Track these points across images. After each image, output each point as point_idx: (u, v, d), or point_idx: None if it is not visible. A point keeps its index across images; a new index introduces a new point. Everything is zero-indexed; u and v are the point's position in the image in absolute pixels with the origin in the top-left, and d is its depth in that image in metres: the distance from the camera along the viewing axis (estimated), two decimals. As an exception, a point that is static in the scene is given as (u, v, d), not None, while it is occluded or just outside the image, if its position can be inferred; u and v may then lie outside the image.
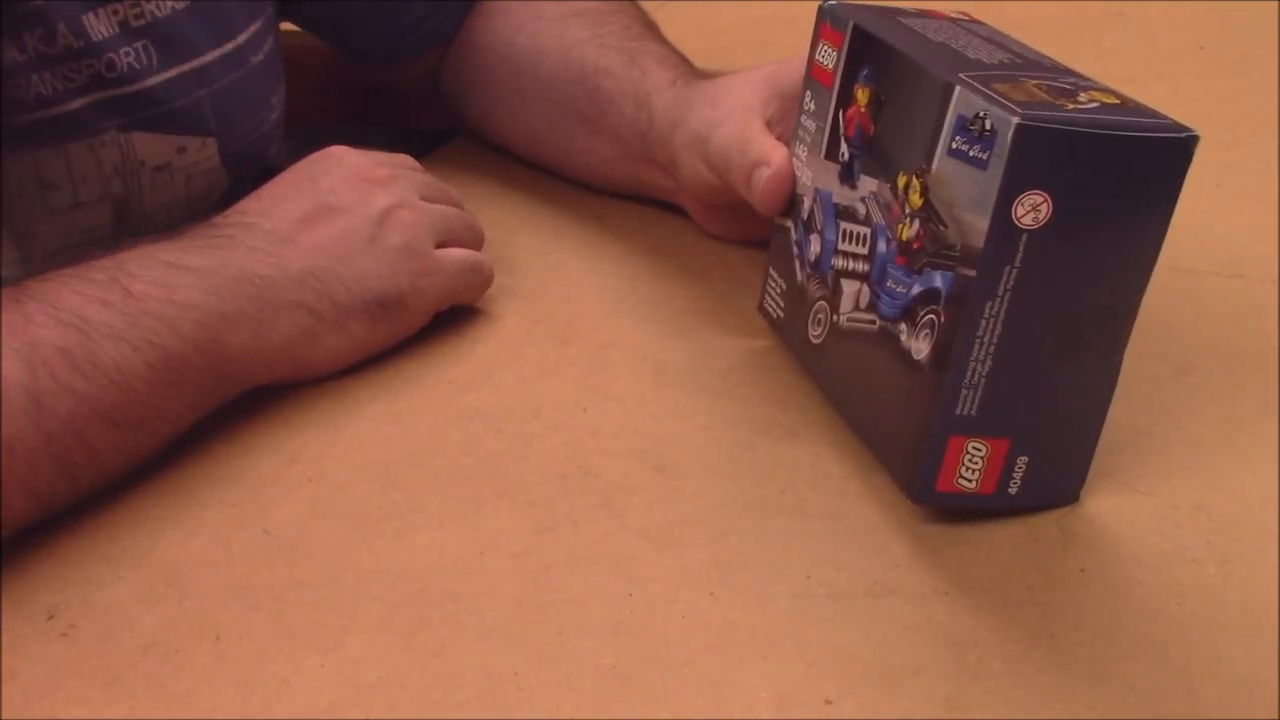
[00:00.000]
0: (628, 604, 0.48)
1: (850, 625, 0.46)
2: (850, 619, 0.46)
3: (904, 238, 0.49)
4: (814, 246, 0.55)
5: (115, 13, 0.64)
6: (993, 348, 0.46)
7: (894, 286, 0.49)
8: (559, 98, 0.76)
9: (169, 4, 0.66)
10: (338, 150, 0.65)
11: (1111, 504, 0.51)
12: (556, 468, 0.55)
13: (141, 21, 0.65)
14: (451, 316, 0.66)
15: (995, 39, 0.53)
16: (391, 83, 0.90)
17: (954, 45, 0.51)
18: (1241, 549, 0.48)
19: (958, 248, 0.46)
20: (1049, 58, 0.51)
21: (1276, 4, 0.97)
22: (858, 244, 0.52)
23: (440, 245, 0.64)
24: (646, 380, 0.60)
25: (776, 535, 0.50)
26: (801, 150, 0.57)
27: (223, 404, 0.58)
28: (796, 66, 0.61)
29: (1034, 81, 0.47)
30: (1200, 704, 0.42)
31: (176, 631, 0.47)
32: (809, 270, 0.55)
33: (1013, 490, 0.49)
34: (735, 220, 0.70)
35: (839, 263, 0.53)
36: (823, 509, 0.52)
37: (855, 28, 0.53)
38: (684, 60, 0.74)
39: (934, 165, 0.47)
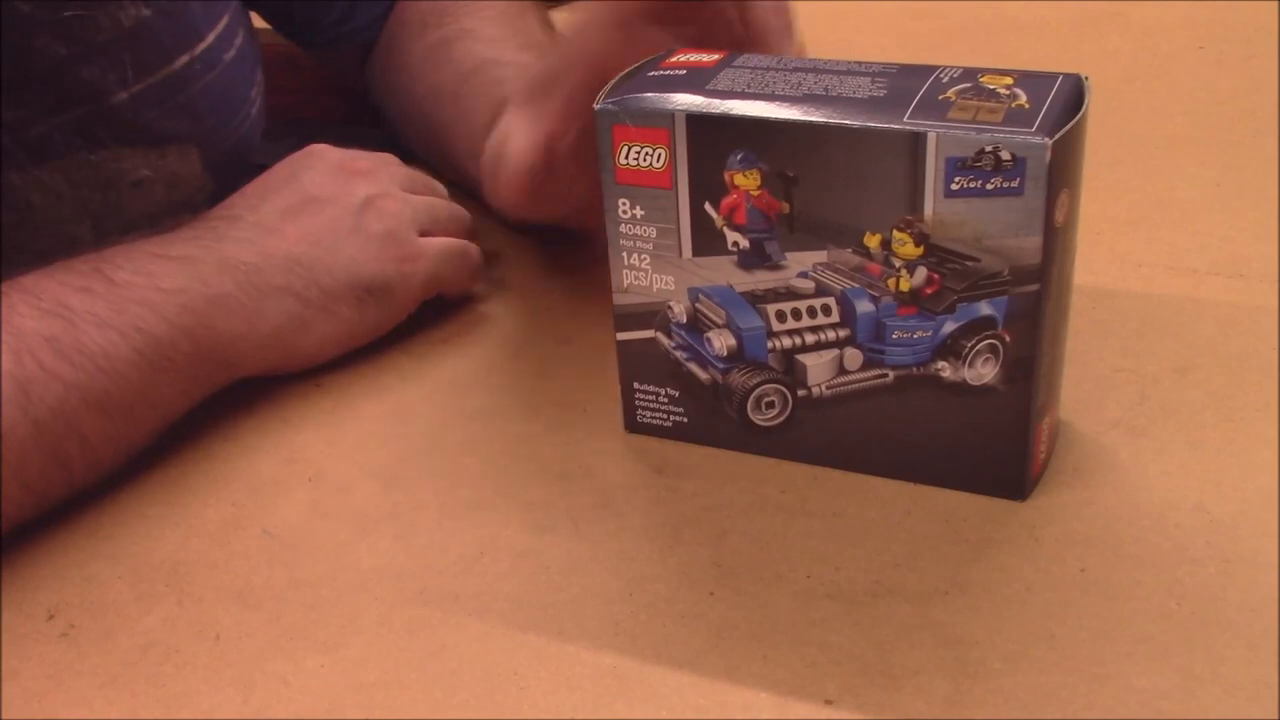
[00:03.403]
0: (628, 604, 0.48)
1: (850, 625, 0.46)
2: (850, 619, 0.46)
3: (905, 289, 0.49)
4: (720, 342, 0.54)
5: (75, 26, 0.62)
6: (1050, 340, 0.50)
7: (905, 336, 0.50)
8: (433, 154, 0.75)
9: (133, 13, 0.64)
10: (319, 147, 0.65)
11: (1111, 504, 0.51)
12: (556, 468, 0.55)
13: (105, 36, 0.63)
14: (451, 315, 0.66)
15: (805, 67, 0.51)
16: (345, 78, 0.88)
17: (816, 91, 0.49)
18: (1241, 549, 0.48)
19: (1005, 273, 0.48)
20: (876, 63, 0.51)
21: (1276, 4, 0.97)
22: (813, 316, 0.52)
23: (424, 234, 0.64)
24: (646, 380, 0.60)
25: (776, 535, 0.50)
26: (638, 259, 0.54)
27: (215, 393, 0.58)
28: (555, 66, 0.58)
29: (953, 93, 0.48)
30: (1200, 704, 0.42)
31: (176, 631, 0.47)
32: (722, 366, 0.54)
33: (1051, 445, 0.53)
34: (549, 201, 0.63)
35: (784, 343, 0.53)
36: (823, 509, 0.52)
37: (691, 117, 0.49)
38: (524, 63, 0.71)
39: (928, 212, 0.48)
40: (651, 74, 0.52)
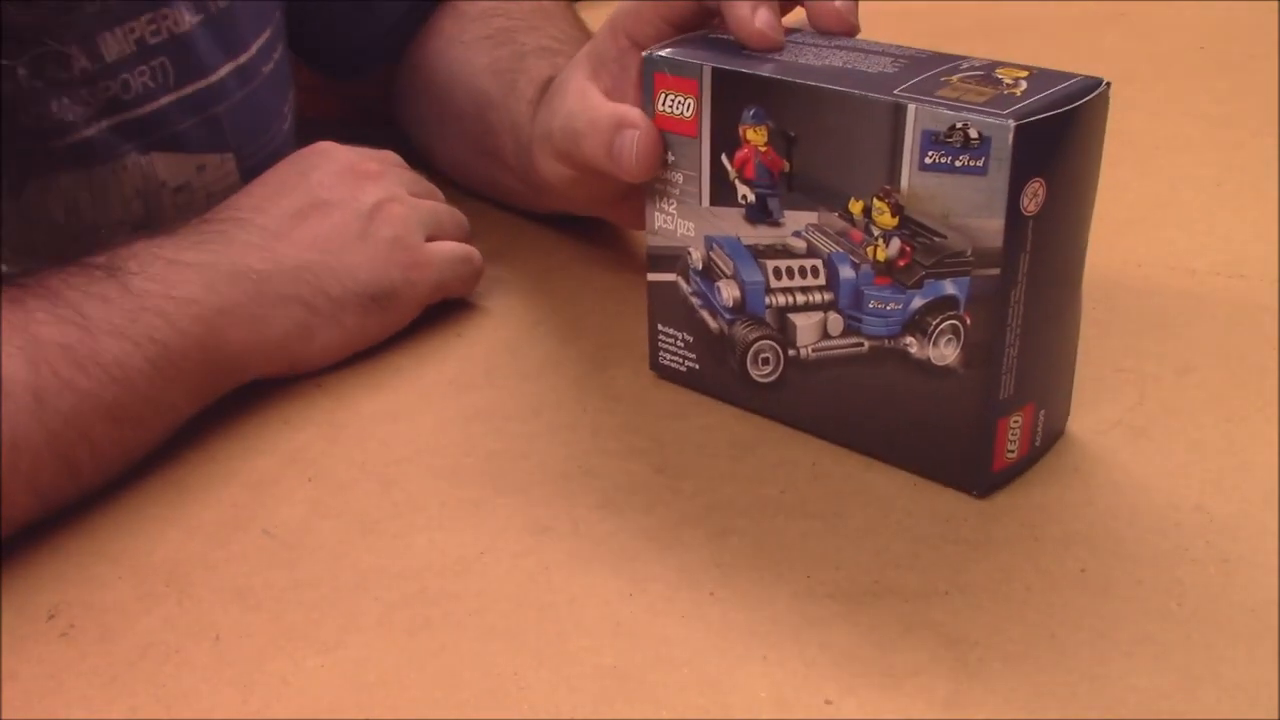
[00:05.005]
0: (628, 604, 0.48)
1: (850, 625, 0.46)
2: (850, 619, 0.46)
3: (881, 259, 0.50)
4: (728, 293, 0.55)
5: (132, 30, 0.62)
6: (1019, 330, 0.49)
7: (880, 306, 0.51)
8: (468, 131, 0.75)
9: (187, 19, 0.64)
10: (326, 145, 0.65)
11: (1111, 504, 0.51)
12: (556, 468, 0.55)
13: (159, 39, 0.63)
14: (450, 316, 0.66)
15: (844, 45, 0.53)
16: (357, 97, 0.88)
17: (836, 64, 0.51)
18: (1241, 549, 0.48)
19: (968, 252, 0.48)
20: (912, 48, 0.52)
21: (1276, 4, 0.97)
22: (804, 277, 0.53)
23: (429, 239, 0.64)
24: (646, 380, 0.60)
25: (776, 535, 0.50)
26: (667, 204, 0.56)
27: (219, 398, 0.58)
28: (607, 39, 0.58)
29: (957, 78, 0.49)
30: (1200, 704, 0.42)
31: (176, 631, 0.47)
32: (729, 317, 0.56)
33: (1037, 443, 0.53)
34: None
35: (779, 300, 0.54)
36: (823, 509, 0.52)
37: (715, 71, 0.52)
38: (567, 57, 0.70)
39: (904, 184, 0.48)
40: (709, 35, 0.55)
